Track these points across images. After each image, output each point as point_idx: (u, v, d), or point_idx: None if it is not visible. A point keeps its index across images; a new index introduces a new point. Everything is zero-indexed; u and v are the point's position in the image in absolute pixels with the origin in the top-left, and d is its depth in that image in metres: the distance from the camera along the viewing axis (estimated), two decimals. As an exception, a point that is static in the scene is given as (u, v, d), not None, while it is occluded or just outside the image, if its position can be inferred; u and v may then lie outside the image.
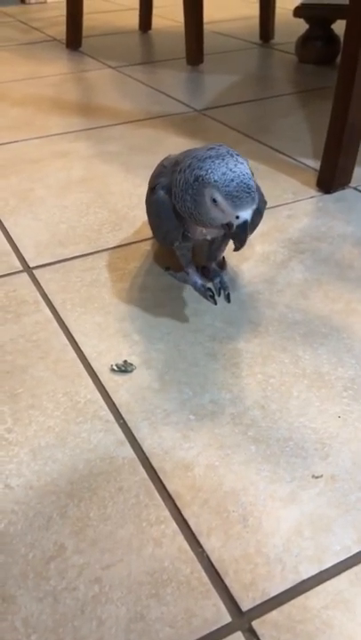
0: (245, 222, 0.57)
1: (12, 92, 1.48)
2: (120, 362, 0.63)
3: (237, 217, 0.57)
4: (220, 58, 1.73)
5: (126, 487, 0.50)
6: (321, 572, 0.44)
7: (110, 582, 0.44)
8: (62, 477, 0.51)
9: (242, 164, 0.57)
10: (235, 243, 0.60)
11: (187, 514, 0.48)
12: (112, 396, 0.59)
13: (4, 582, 0.44)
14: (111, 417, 0.57)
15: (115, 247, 0.83)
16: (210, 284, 0.73)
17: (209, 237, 0.69)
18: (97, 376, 0.62)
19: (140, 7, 2.00)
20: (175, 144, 1.14)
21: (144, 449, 0.54)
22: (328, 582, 0.44)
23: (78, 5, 1.75)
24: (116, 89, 1.49)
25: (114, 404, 0.58)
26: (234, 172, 0.56)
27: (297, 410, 0.57)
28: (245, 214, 0.57)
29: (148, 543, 0.46)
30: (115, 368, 0.62)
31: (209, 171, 0.57)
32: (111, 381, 0.61)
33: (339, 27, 1.49)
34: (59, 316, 0.70)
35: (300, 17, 1.62)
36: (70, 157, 1.11)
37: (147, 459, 0.53)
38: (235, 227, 0.58)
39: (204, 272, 0.74)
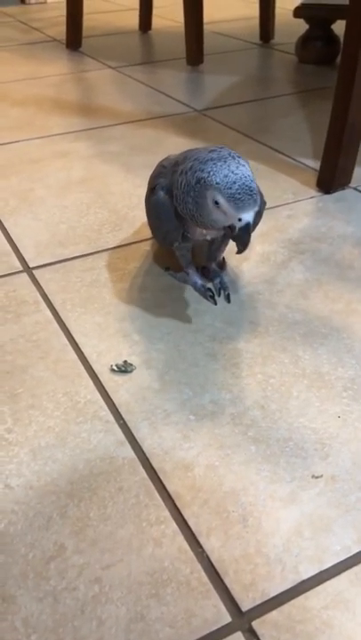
0: (248, 224, 0.57)
1: (12, 93, 1.48)
2: (120, 362, 0.63)
3: (240, 219, 0.57)
4: (220, 58, 1.73)
5: (126, 487, 0.50)
6: (321, 572, 0.44)
7: (110, 582, 0.44)
8: (62, 477, 0.51)
9: (243, 166, 0.57)
10: (237, 245, 0.60)
11: (187, 514, 0.48)
12: (112, 397, 0.59)
13: (4, 582, 0.44)
14: (111, 417, 0.57)
15: (115, 247, 0.83)
16: (210, 285, 0.73)
17: (209, 238, 0.69)
18: (97, 376, 0.62)
19: (140, 7, 2.00)
20: (175, 144, 1.14)
21: (144, 449, 0.54)
22: (328, 582, 0.44)
23: (78, 5, 1.75)
24: (116, 89, 1.50)
25: (114, 404, 0.58)
26: (236, 174, 0.56)
27: (297, 410, 0.57)
28: (248, 216, 0.57)
29: (148, 543, 0.46)
30: (115, 368, 0.62)
31: (211, 173, 0.57)
32: (111, 381, 0.61)
33: (339, 27, 1.49)
34: (59, 316, 0.70)
35: (300, 17, 1.62)
36: (70, 157, 1.11)
37: (147, 459, 0.53)
38: (237, 229, 0.58)
39: (204, 272, 0.74)
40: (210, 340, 0.66)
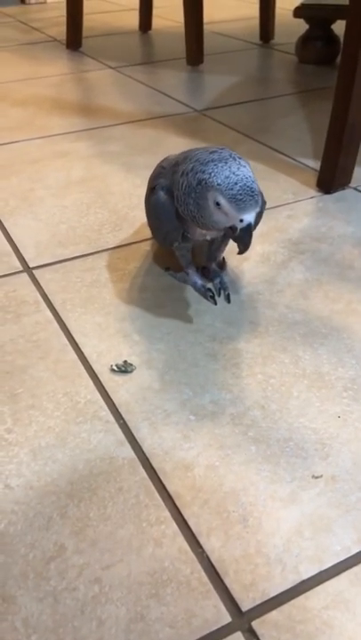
0: (249, 225, 0.57)
1: (12, 93, 1.48)
2: (120, 362, 0.63)
3: (241, 220, 0.57)
4: (220, 58, 1.73)
5: (126, 487, 0.50)
6: (321, 573, 0.44)
7: (110, 582, 0.44)
8: (62, 477, 0.51)
9: (244, 167, 0.57)
10: (239, 246, 0.60)
11: (187, 514, 0.48)
12: (112, 397, 0.59)
13: (4, 582, 0.44)
14: (111, 417, 0.57)
15: (115, 247, 0.83)
16: (210, 285, 0.73)
17: (208, 238, 0.69)
18: (97, 376, 0.62)
19: (140, 7, 2.00)
20: (175, 144, 1.14)
21: (144, 449, 0.54)
22: (328, 582, 0.44)
23: (78, 6, 1.76)
24: (116, 89, 1.50)
25: (114, 404, 0.58)
26: (237, 175, 0.56)
27: (297, 410, 0.57)
28: (249, 217, 0.57)
29: (148, 543, 0.46)
30: (115, 368, 0.62)
31: (212, 174, 0.57)
32: (111, 382, 0.61)
33: (339, 27, 1.49)
34: (59, 316, 0.70)
35: (300, 17, 1.62)
36: (70, 157, 1.11)
37: (147, 459, 0.53)
38: (238, 230, 0.58)
39: (204, 272, 0.74)
40: (210, 340, 0.66)
